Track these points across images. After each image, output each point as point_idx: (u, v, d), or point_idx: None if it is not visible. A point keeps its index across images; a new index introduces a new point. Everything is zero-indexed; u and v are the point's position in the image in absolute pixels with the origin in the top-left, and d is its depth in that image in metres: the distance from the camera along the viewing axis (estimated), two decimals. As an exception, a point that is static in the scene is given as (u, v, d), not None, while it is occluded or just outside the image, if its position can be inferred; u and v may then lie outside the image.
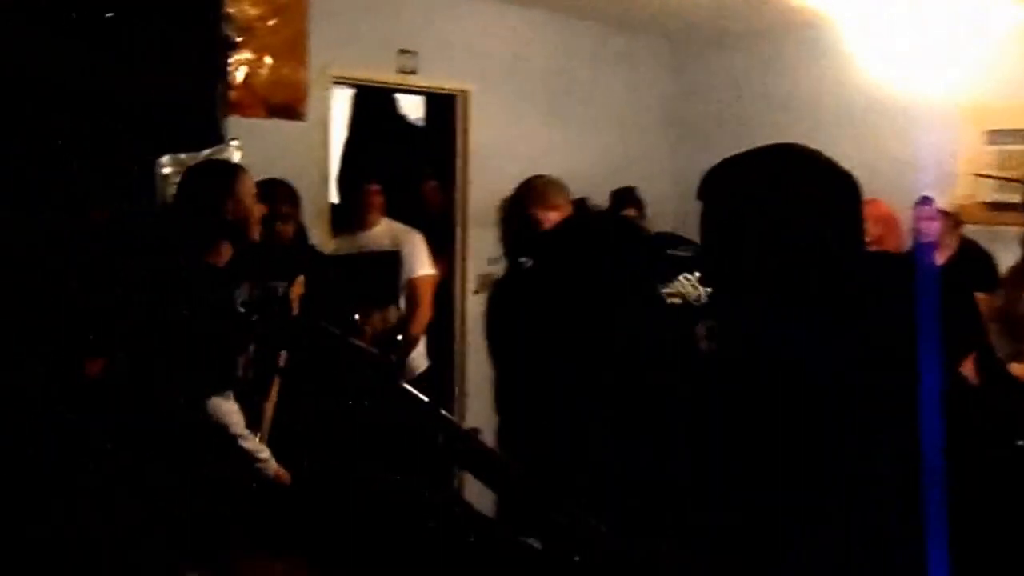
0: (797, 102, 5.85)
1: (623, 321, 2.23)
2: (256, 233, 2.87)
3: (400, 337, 4.06)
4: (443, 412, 1.70)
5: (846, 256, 1.41)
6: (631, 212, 5.23)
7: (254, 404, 2.87)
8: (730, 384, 1.44)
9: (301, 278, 3.09)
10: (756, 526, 1.35)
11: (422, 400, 1.64)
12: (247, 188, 2.81)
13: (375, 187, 4.43)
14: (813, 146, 1.48)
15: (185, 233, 2.81)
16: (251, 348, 2.90)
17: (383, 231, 4.41)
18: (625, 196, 5.28)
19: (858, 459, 1.34)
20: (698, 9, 5.51)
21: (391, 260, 4.29)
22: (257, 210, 2.82)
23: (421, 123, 6.17)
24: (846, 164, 1.46)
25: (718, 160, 1.53)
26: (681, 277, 2.22)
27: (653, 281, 2.23)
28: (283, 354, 2.96)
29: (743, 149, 1.54)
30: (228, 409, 2.69)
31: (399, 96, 5.94)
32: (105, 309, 2.81)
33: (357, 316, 3.21)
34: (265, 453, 2.79)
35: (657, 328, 2.16)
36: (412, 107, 6.21)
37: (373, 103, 5.93)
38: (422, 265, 4.43)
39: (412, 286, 4.35)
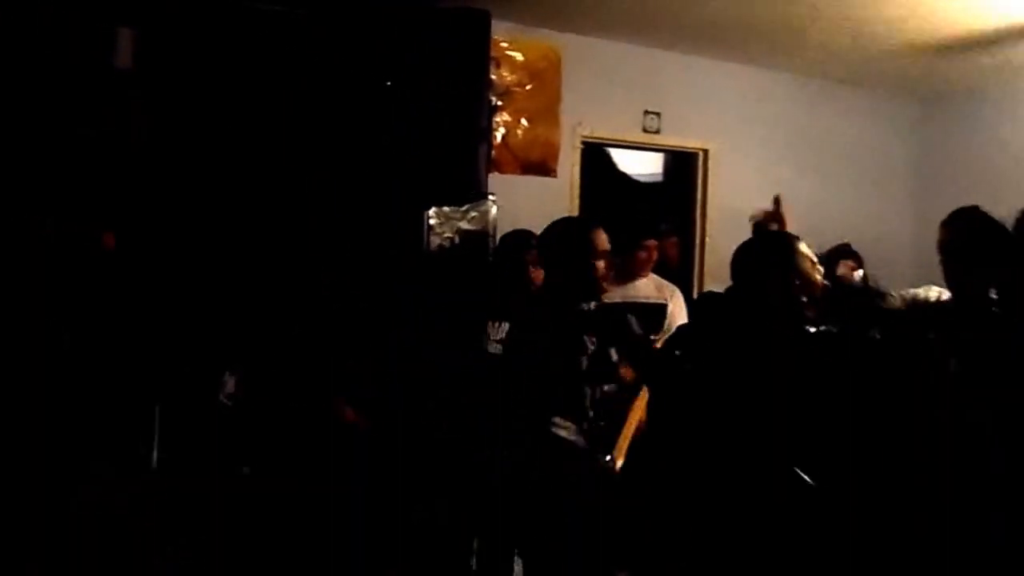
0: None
1: None
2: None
3: None
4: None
5: None
6: (850, 265, 5.18)
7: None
8: None
9: None
10: None
11: None
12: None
13: (653, 242, 4.40)
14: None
15: None
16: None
17: (649, 284, 4.47)
18: (841, 251, 5.24)
19: None
20: (943, 69, 5.46)
21: (660, 312, 4.31)
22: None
23: (659, 178, 6.41)
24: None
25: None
26: None
27: None
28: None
29: (983, 203, 1.69)
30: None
31: (640, 153, 6.20)
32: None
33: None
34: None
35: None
36: (651, 163, 6.46)
37: (615, 159, 6.23)
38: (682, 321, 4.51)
39: None
